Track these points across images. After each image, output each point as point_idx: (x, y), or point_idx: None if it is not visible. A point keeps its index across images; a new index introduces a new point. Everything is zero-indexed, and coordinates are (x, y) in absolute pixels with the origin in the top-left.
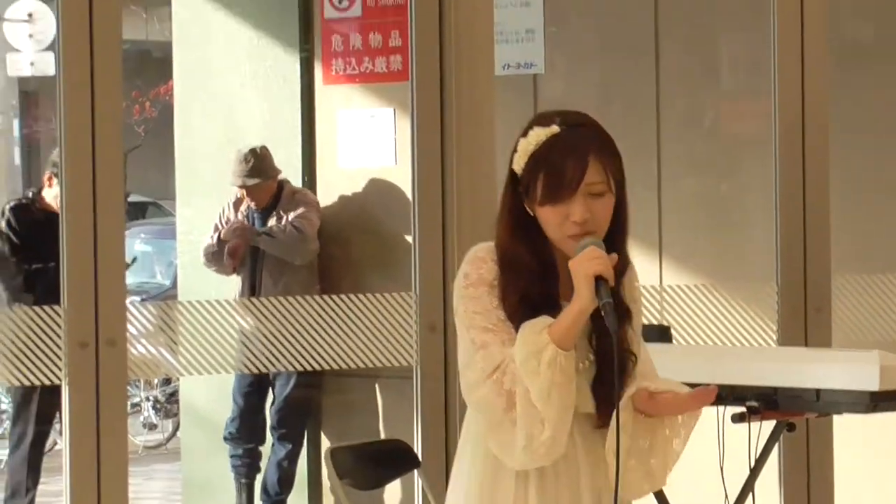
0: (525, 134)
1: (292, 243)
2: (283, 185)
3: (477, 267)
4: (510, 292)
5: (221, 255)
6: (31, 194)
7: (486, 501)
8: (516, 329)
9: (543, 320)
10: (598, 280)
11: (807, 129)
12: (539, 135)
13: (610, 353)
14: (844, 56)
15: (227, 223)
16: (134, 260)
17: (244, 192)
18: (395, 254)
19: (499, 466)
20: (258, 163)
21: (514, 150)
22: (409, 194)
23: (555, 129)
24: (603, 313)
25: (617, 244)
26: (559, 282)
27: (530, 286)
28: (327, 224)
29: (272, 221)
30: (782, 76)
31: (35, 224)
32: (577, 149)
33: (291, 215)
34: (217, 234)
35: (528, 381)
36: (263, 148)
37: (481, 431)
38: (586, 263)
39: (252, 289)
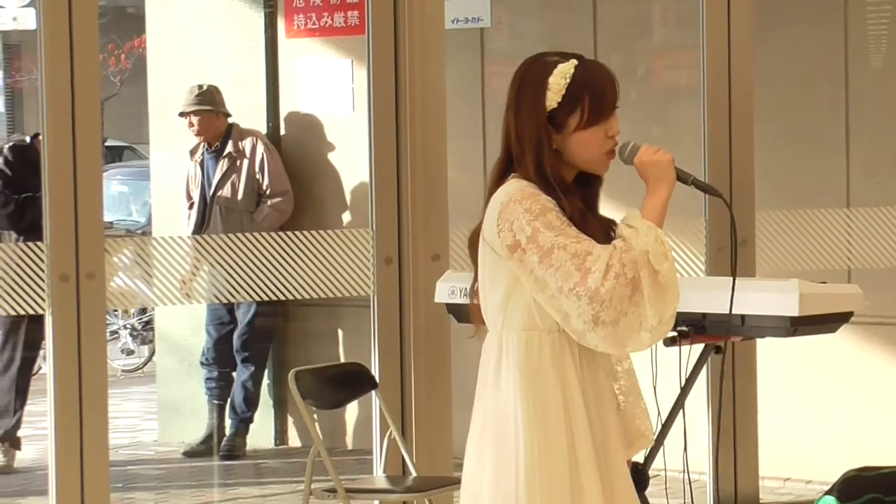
0: (549, 74)
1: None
2: (231, 127)
3: (535, 200)
4: (577, 211)
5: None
6: (28, 139)
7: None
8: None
9: (636, 213)
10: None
11: (732, 79)
12: (567, 68)
13: None
14: (769, 13)
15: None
16: None
17: (190, 123)
18: (353, 193)
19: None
20: (205, 94)
21: (542, 90)
22: (365, 139)
23: (574, 61)
24: (695, 186)
25: None
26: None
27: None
28: (289, 165)
29: (223, 163)
30: (710, 30)
31: (29, 164)
32: (605, 70)
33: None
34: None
35: (658, 263)
36: (212, 85)
37: (580, 333)
38: (659, 154)
39: (200, 225)
